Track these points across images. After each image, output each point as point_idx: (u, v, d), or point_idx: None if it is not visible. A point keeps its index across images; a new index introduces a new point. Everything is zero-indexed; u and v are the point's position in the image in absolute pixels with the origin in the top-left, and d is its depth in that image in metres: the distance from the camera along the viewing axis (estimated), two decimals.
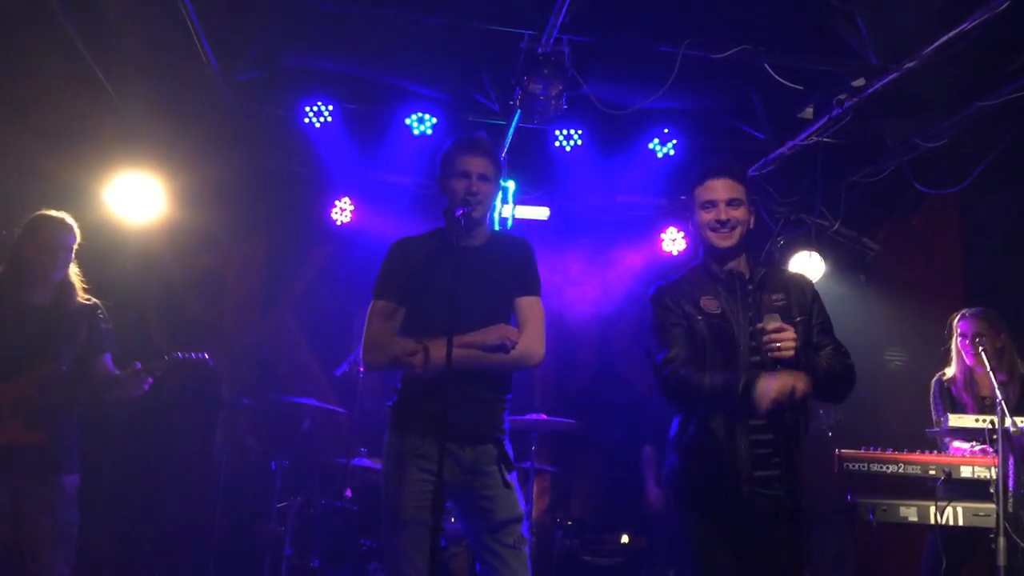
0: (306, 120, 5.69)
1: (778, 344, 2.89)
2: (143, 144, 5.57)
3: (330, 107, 5.67)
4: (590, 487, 6.69)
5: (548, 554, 5.73)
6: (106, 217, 5.41)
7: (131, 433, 5.53)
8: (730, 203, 3.17)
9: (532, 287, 3.36)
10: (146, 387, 3.87)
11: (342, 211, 6.39)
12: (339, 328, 6.14)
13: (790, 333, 2.91)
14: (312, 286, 6.63)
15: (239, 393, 5.96)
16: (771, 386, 2.85)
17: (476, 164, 3.26)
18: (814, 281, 3.39)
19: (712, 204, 3.18)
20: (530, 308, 3.33)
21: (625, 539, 5.79)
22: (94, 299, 4.01)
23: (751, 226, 3.22)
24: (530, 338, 3.25)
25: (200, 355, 4.00)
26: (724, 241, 3.15)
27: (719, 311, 3.17)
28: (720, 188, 3.18)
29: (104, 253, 4.56)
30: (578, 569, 5.95)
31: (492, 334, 3.15)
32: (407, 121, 5.69)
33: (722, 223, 3.14)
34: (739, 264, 3.20)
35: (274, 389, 5.82)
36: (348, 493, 5.07)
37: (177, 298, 6.17)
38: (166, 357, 3.91)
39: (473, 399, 3.18)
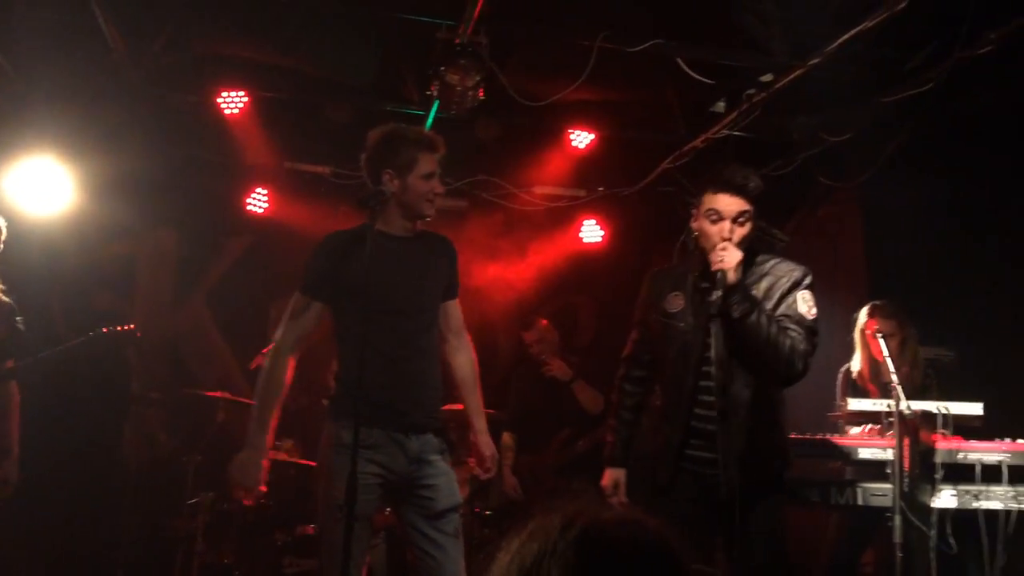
0: (219, 107, 5.57)
1: (722, 255, 3.05)
2: (48, 130, 5.37)
3: (244, 95, 5.56)
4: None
5: (468, 545, 5.73)
6: (7, 206, 5.21)
7: (36, 429, 5.34)
8: (737, 219, 3.14)
9: (457, 290, 3.50)
10: None
11: (258, 201, 6.28)
12: (255, 320, 6.05)
13: (736, 252, 3.07)
14: (227, 277, 6.51)
15: (150, 387, 5.83)
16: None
17: (437, 164, 3.32)
18: None
19: (718, 217, 3.15)
20: (459, 312, 3.51)
21: (610, 519, 5.82)
22: (7, 299, 3.86)
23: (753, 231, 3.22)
24: (469, 342, 3.53)
25: (126, 327, 3.89)
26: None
27: (679, 310, 3.29)
28: (730, 203, 3.13)
29: (5, 244, 4.40)
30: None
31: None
32: (325, 110, 5.63)
33: (726, 239, 3.12)
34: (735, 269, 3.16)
35: (186, 383, 5.70)
36: (262, 487, 4.99)
37: (84, 291, 5.98)
38: (91, 333, 3.79)
39: (420, 390, 3.26)
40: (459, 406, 5.31)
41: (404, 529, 3.31)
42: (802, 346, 3.12)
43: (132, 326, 3.90)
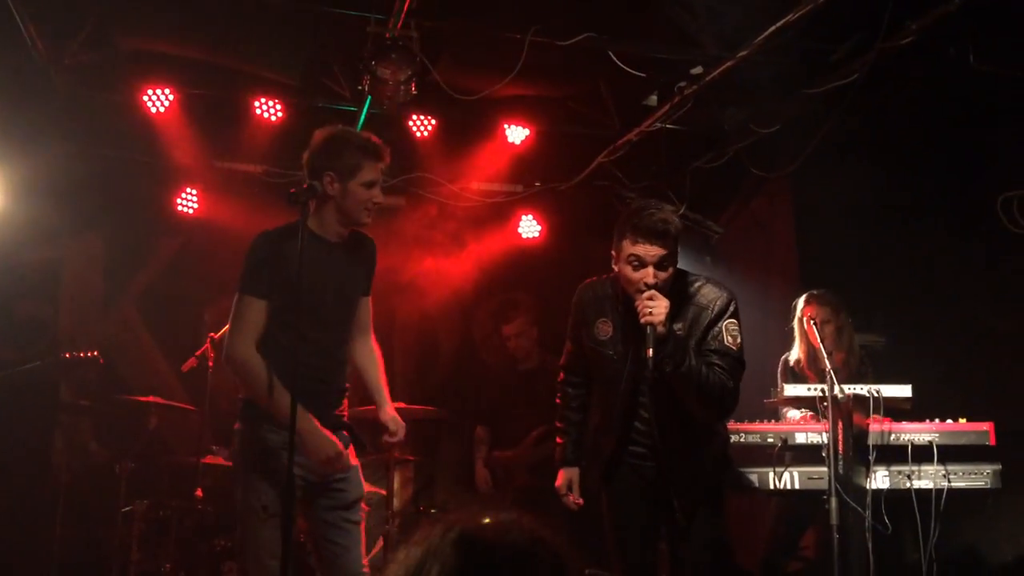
0: (145, 106, 5.43)
1: (650, 308, 3.02)
2: None
3: (170, 92, 5.43)
4: (454, 474, 6.71)
5: None
6: None
7: None
8: (660, 264, 3.10)
9: (370, 288, 3.57)
10: None
11: (188, 201, 6.14)
12: (187, 322, 5.91)
13: (663, 302, 3.03)
14: (158, 280, 6.36)
15: (79, 394, 5.66)
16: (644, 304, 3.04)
17: (380, 173, 3.31)
18: None
19: (640, 263, 3.11)
20: (369, 310, 3.59)
21: (487, 522, 5.82)
22: None
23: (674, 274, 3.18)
24: (375, 343, 3.63)
25: (88, 353, 3.79)
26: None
27: (607, 337, 3.30)
28: (652, 250, 3.08)
29: None
30: None
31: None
32: (255, 107, 5.52)
33: (650, 287, 3.08)
34: None
35: (117, 389, 5.55)
36: (199, 493, 4.90)
37: (7, 297, 5.78)
38: (51, 358, 3.66)
39: (332, 390, 3.36)
40: (400, 404, 5.32)
41: (313, 525, 3.35)
42: (731, 383, 3.15)
43: (95, 352, 3.80)
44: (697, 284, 3.27)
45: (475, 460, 5.95)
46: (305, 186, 3.19)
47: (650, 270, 3.09)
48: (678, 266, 3.24)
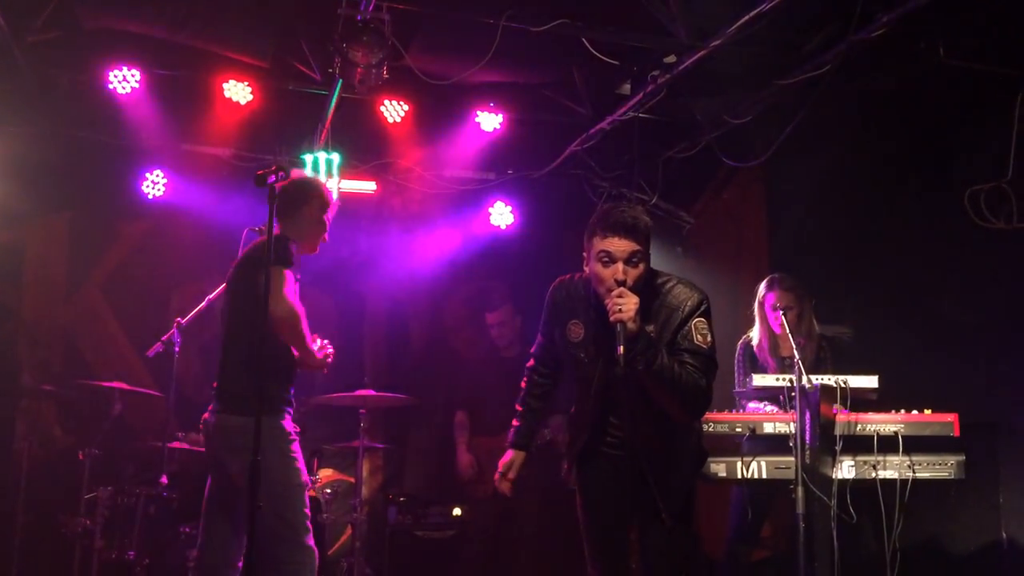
0: (111, 86, 5.33)
1: (619, 306, 2.99)
2: None
3: (137, 73, 5.34)
4: (424, 462, 6.68)
5: (381, 532, 5.69)
6: None
7: None
8: (630, 260, 3.06)
9: None
10: None
11: (154, 184, 6.05)
12: (154, 307, 5.84)
13: (633, 299, 3.01)
14: (124, 264, 6.26)
15: (42, 379, 5.57)
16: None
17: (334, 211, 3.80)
18: None
19: (610, 259, 3.07)
20: None
21: (458, 512, 5.83)
22: None
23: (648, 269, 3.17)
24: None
25: None
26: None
27: (579, 340, 3.27)
28: (622, 245, 3.04)
29: None
30: (412, 545, 5.95)
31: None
32: (223, 89, 5.44)
33: (620, 283, 3.04)
34: None
35: (81, 374, 5.47)
36: (164, 479, 4.85)
37: None
38: None
39: None
40: (369, 392, 5.29)
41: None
42: (703, 381, 3.12)
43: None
44: (669, 285, 3.24)
45: (457, 445, 5.91)
46: (273, 168, 3.15)
47: (620, 266, 3.05)
48: (650, 265, 3.23)
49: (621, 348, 2.98)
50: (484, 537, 5.75)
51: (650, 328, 3.13)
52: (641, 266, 3.12)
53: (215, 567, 3.59)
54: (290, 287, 3.44)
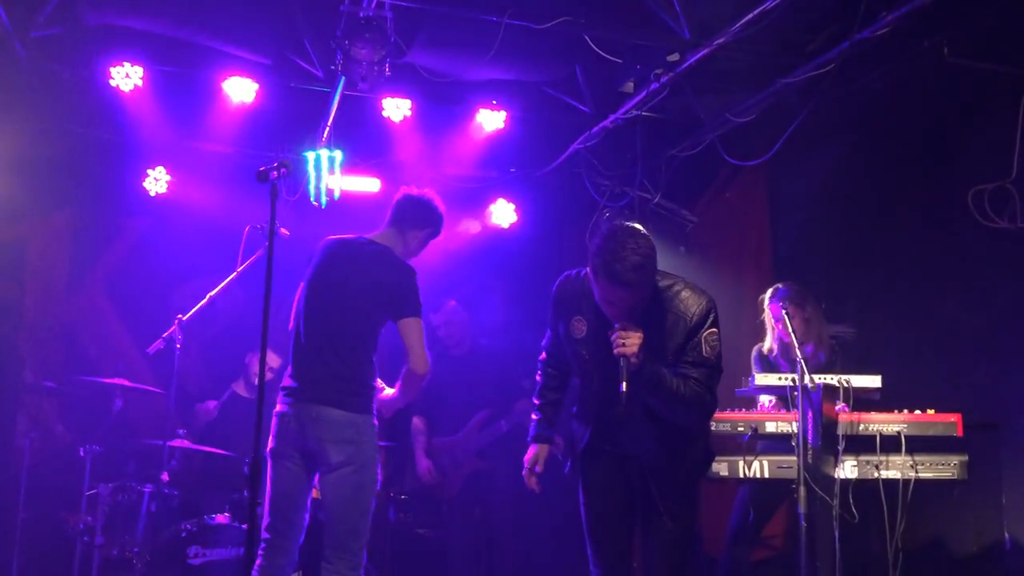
0: (113, 83, 5.33)
1: (623, 341, 2.99)
2: None
3: (139, 69, 5.33)
4: None
5: (383, 530, 5.68)
6: None
7: None
8: (633, 307, 3.05)
9: None
10: None
11: (157, 181, 6.05)
12: (155, 304, 5.83)
13: (637, 334, 2.99)
14: (126, 260, 6.26)
15: (44, 376, 5.57)
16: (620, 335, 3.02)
17: None
18: None
19: (612, 305, 3.07)
20: None
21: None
22: None
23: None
24: None
25: None
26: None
27: (581, 336, 3.26)
28: (623, 296, 3.03)
29: None
30: (412, 543, 5.96)
31: None
32: (226, 86, 5.43)
33: (620, 325, 3.03)
34: None
35: (82, 370, 5.47)
36: (165, 477, 4.84)
37: None
38: None
39: None
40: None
41: None
42: (707, 396, 3.13)
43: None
44: (675, 288, 3.20)
45: (415, 451, 5.85)
46: (275, 164, 3.14)
47: (621, 310, 3.05)
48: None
49: (624, 384, 2.99)
50: (467, 533, 5.73)
51: (655, 333, 3.10)
52: (644, 302, 3.10)
53: (284, 549, 3.66)
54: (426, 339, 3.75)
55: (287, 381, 3.73)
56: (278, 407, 3.71)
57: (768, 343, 4.77)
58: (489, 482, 5.61)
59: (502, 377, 5.72)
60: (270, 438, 3.69)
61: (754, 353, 4.84)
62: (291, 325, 3.84)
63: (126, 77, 5.33)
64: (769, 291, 4.74)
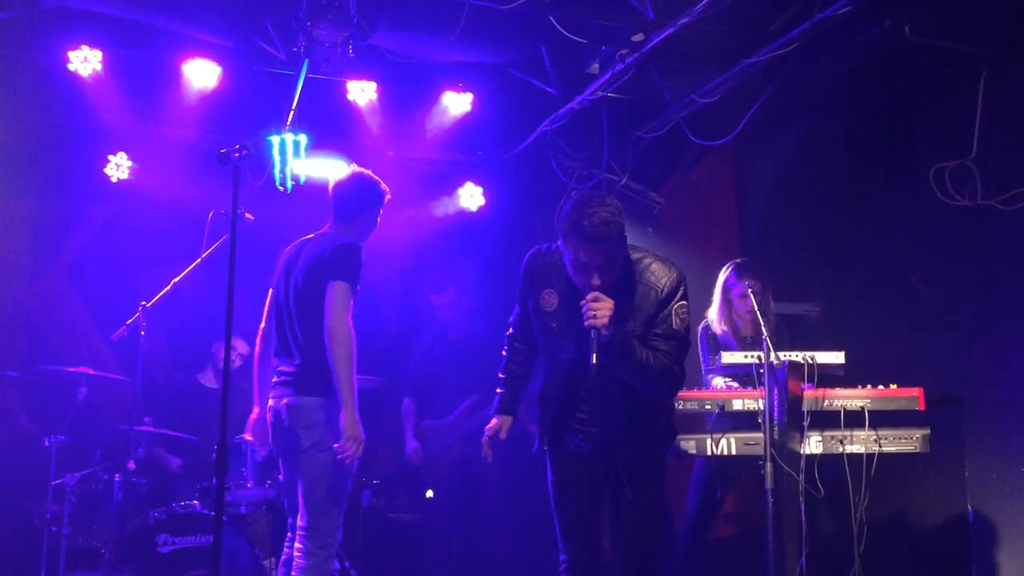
0: (71, 67, 5.23)
1: (594, 312, 2.99)
2: None
3: (98, 53, 5.24)
4: (398, 445, 6.67)
5: (355, 515, 5.67)
6: None
7: None
8: (604, 268, 3.05)
9: None
10: None
11: (118, 167, 5.95)
12: (121, 290, 5.74)
13: (608, 304, 3.00)
14: (89, 247, 6.17)
15: (6, 365, 5.48)
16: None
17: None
18: None
19: (583, 267, 3.07)
20: None
21: (430, 494, 5.83)
22: None
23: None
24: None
25: None
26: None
27: (552, 309, 3.26)
28: (594, 254, 3.03)
29: None
30: (385, 527, 5.96)
31: None
32: (186, 70, 5.35)
33: (595, 288, 3.04)
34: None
35: (46, 359, 5.40)
36: (131, 465, 4.80)
37: None
38: None
39: None
40: None
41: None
42: (675, 367, 3.16)
43: None
44: (646, 261, 3.23)
45: (405, 432, 5.88)
46: (237, 146, 3.11)
47: (594, 274, 3.06)
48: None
49: (595, 356, 3.00)
50: (451, 517, 5.74)
51: (625, 305, 3.13)
52: (617, 268, 3.12)
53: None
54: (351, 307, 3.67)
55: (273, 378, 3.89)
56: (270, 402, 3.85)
57: (714, 316, 4.72)
58: (475, 467, 5.62)
59: (493, 363, 5.72)
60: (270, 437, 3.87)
61: (700, 331, 4.78)
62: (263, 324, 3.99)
63: (84, 61, 5.24)
64: (730, 266, 4.72)
